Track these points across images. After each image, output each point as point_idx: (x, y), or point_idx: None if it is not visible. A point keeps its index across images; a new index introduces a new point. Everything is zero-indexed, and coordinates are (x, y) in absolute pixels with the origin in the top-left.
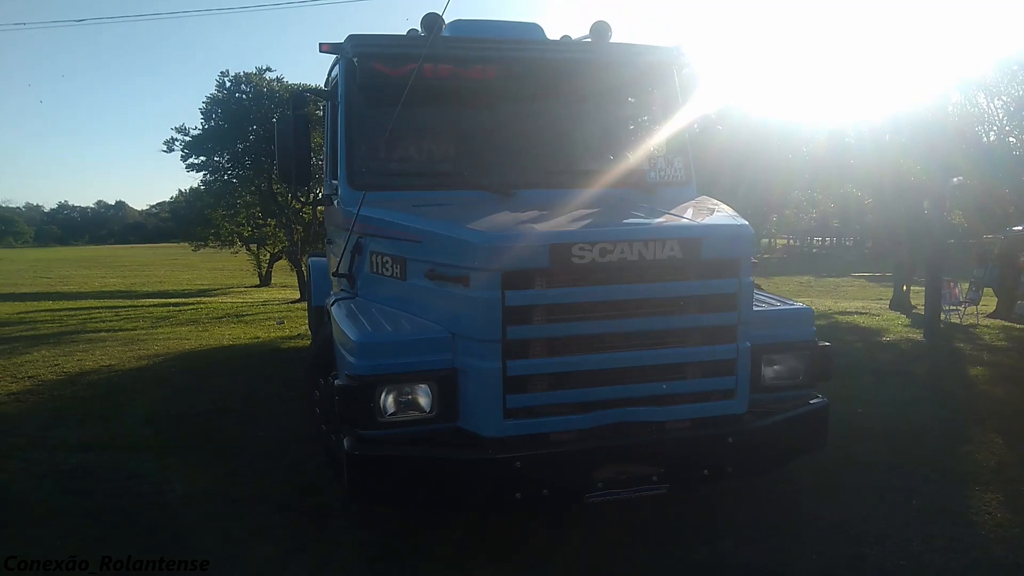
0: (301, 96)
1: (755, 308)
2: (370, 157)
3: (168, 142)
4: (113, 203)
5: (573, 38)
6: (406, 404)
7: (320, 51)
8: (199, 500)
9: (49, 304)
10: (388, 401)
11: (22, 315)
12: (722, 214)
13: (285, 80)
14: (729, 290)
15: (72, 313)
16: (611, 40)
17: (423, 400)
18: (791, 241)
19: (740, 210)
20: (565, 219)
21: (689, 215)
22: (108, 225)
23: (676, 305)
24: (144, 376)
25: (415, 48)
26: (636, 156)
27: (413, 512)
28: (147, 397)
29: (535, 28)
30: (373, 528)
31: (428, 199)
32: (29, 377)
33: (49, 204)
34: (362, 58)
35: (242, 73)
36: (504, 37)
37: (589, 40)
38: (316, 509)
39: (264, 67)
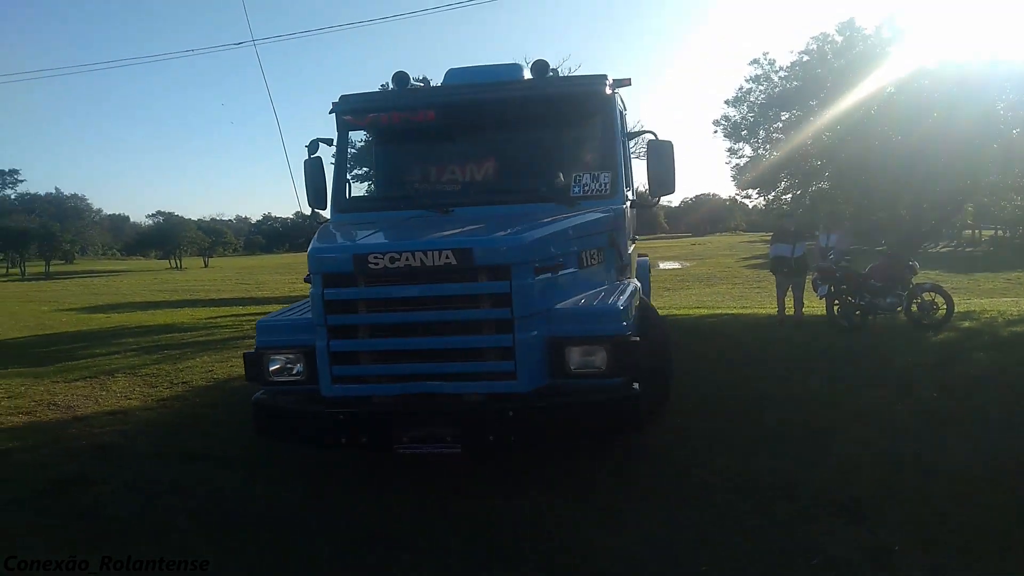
0: (315, 143)
1: (559, 306)
2: (347, 187)
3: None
4: (308, 213)
5: (551, 67)
6: (285, 370)
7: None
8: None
9: (238, 309)
10: (273, 367)
11: (209, 320)
12: (523, 228)
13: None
14: (501, 291)
15: (251, 318)
16: (549, 75)
17: (295, 367)
18: (1001, 232)
19: (918, 196)
20: (407, 232)
21: (493, 230)
22: (305, 233)
23: (455, 302)
24: None
25: (377, 102)
26: (564, 174)
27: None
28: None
29: (513, 69)
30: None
31: (378, 219)
32: (183, 383)
33: (255, 216)
34: (339, 114)
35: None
36: (479, 81)
37: (530, 77)
38: None
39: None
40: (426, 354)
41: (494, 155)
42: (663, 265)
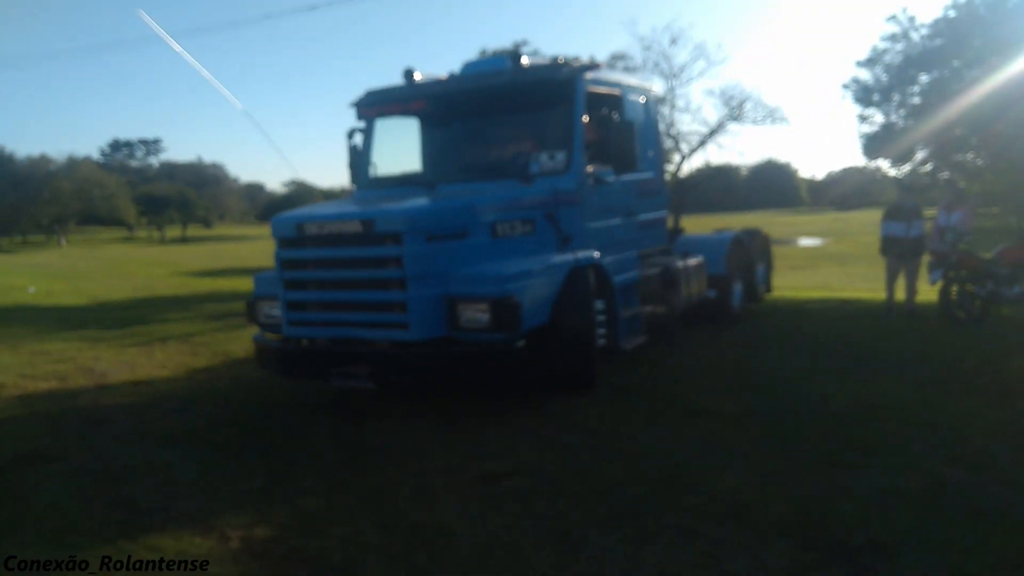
0: (352, 131)
1: (460, 271)
2: (366, 168)
3: None
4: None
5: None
6: (272, 315)
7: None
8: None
9: None
10: (263, 312)
11: None
12: (417, 201)
13: (540, 53)
14: (395, 254)
15: None
16: (523, 64)
17: (274, 313)
18: None
19: None
20: (347, 204)
21: (400, 201)
22: None
23: (364, 263)
24: None
25: (381, 97)
26: (525, 154)
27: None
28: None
29: (498, 60)
30: None
31: (373, 194)
32: (224, 353)
33: None
34: (358, 108)
35: (503, 50)
36: (470, 73)
37: (508, 67)
38: None
39: (522, 41)
40: (348, 305)
41: (477, 137)
42: (802, 242)
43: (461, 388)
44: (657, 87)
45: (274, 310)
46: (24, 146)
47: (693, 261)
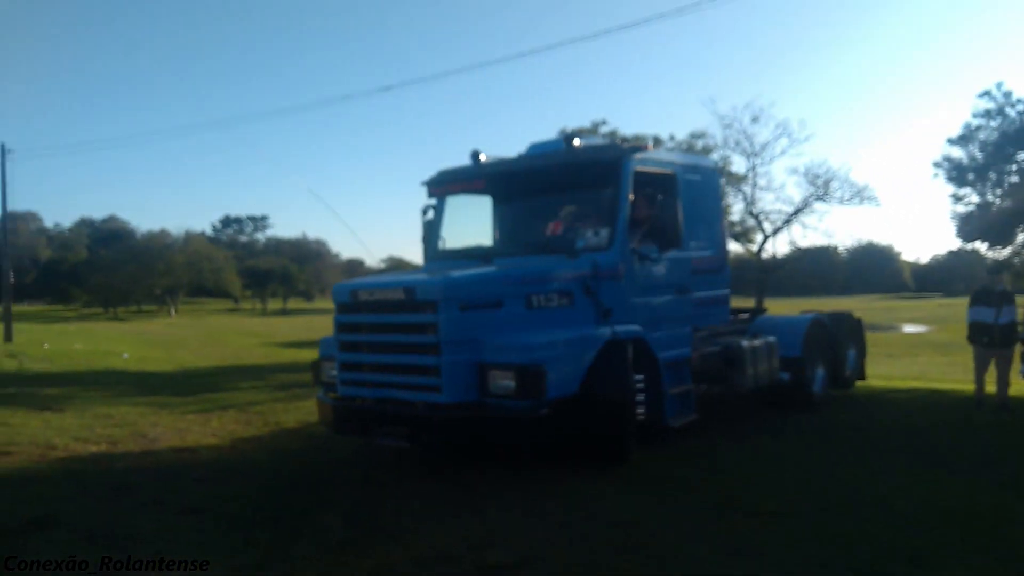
0: (426, 208)
1: (493, 338)
2: (435, 242)
3: None
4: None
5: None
6: (328, 375)
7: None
8: None
9: None
10: (323, 372)
11: None
12: (459, 273)
13: (619, 132)
14: (431, 320)
15: None
16: (575, 145)
17: (333, 373)
18: None
19: None
20: (398, 275)
21: (447, 273)
22: None
23: (405, 328)
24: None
25: (451, 176)
26: (572, 230)
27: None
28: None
29: (556, 143)
30: None
31: (444, 265)
32: (276, 423)
33: None
34: (428, 186)
35: (582, 129)
36: (531, 154)
37: (563, 148)
38: None
39: (600, 120)
40: (391, 368)
41: (537, 213)
42: (906, 328)
43: (491, 452)
44: (717, 164)
45: (332, 370)
46: (146, 222)
47: (763, 341)
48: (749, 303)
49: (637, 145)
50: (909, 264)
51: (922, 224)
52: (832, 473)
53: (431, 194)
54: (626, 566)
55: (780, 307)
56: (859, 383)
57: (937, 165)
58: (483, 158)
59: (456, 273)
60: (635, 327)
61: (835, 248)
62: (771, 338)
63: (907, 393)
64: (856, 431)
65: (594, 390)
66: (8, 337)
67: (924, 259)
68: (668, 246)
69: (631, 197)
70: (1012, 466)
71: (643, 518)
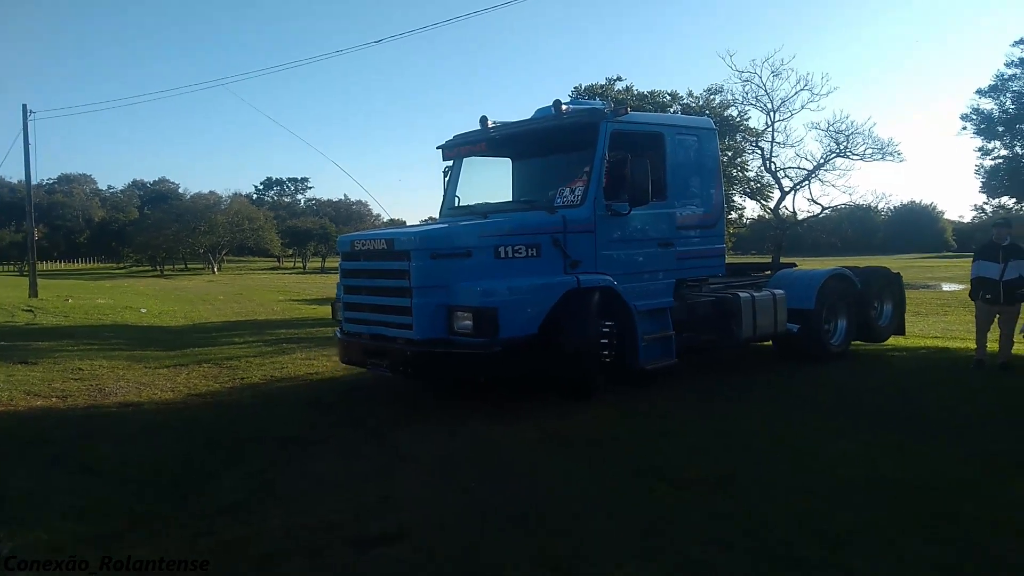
0: (446, 171)
1: (461, 284)
2: (447, 201)
3: None
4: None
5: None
6: (340, 316)
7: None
8: None
9: None
10: (337, 312)
11: None
12: (432, 226)
13: (634, 88)
14: (403, 267)
15: None
16: (563, 109)
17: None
18: None
19: None
20: (430, 228)
21: (419, 228)
22: None
23: (387, 274)
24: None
25: (460, 140)
26: (556, 187)
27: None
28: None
29: (547, 108)
30: None
31: (445, 220)
32: (240, 379)
33: None
34: (442, 150)
35: (595, 86)
36: (529, 119)
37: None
38: None
39: (615, 77)
40: (378, 308)
41: (535, 172)
42: (946, 287)
43: (447, 380)
44: (713, 125)
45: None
46: (195, 184)
47: (767, 294)
48: (767, 260)
49: (616, 109)
50: (951, 223)
51: (952, 183)
52: (785, 439)
53: (445, 157)
54: (515, 543)
55: (813, 264)
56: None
57: (965, 118)
58: (489, 123)
59: (429, 227)
60: (604, 277)
61: (874, 207)
62: (778, 291)
63: (911, 351)
64: (836, 392)
65: (555, 333)
66: (33, 292)
67: (967, 218)
68: (641, 202)
69: (607, 156)
70: (995, 433)
71: (558, 485)
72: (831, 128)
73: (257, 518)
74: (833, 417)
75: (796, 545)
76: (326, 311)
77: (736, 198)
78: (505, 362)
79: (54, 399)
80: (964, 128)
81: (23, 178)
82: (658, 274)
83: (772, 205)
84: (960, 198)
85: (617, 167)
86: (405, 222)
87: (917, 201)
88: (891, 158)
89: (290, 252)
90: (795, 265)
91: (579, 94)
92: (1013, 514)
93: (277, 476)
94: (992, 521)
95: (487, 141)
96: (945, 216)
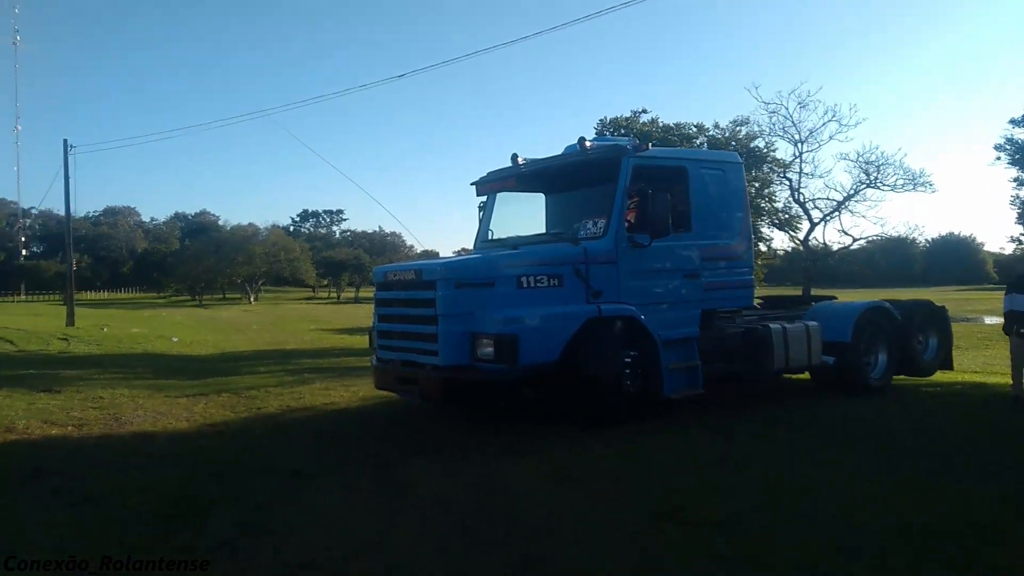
0: (481, 207)
1: (484, 312)
2: (480, 234)
3: None
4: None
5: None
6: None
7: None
8: None
9: None
10: (372, 339)
11: None
12: (458, 257)
13: (660, 121)
14: (430, 296)
15: None
16: (587, 145)
17: None
18: None
19: None
20: (455, 260)
21: (447, 259)
22: None
23: (416, 303)
24: (317, 421)
25: (491, 176)
26: (581, 221)
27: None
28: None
29: (573, 146)
30: None
31: (477, 252)
32: (257, 408)
33: None
34: (475, 185)
35: (620, 118)
36: (552, 156)
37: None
38: None
39: (640, 109)
40: (408, 335)
41: (564, 206)
42: (988, 320)
43: (470, 405)
44: (740, 159)
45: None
46: (235, 216)
47: (799, 326)
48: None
49: (637, 145)
50: (992, 255)
51: (989, 214)
52: (803, 479)
53: (478, 192)
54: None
55: (852, 297)
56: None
57: (999, 148)
58: (520, 160)
59: (456, 259)
60: (626, 307)
61: (908, 238)
62: (812, 323)
63: (947, 387)
64: (863, 428)
65: (576, 361)
66: (70, 321)
67: (1008, 249)
68: (662, 234)
69: (629, 190)
70: None
71: (559, 525)
72: (860, 159)
73: (245, 556)
74: (857, 456)
75: None
76: (354, 340)
77: (764, 229)
78: (525, 388)
79: (70, 427)
80: (998, 158)
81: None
82: (683, 304)
83: (801, 236)
84: (998, 229)
85: (638, 200)
86: (439, 253)
87: (956, 232)
88: (923, 188)
89: (325, 282)
90: (835, 298)
91: (604, 127)
92: None
93: (275, 510)
94: (1015, 568)
95: (517, 177)
96: (985, 248)
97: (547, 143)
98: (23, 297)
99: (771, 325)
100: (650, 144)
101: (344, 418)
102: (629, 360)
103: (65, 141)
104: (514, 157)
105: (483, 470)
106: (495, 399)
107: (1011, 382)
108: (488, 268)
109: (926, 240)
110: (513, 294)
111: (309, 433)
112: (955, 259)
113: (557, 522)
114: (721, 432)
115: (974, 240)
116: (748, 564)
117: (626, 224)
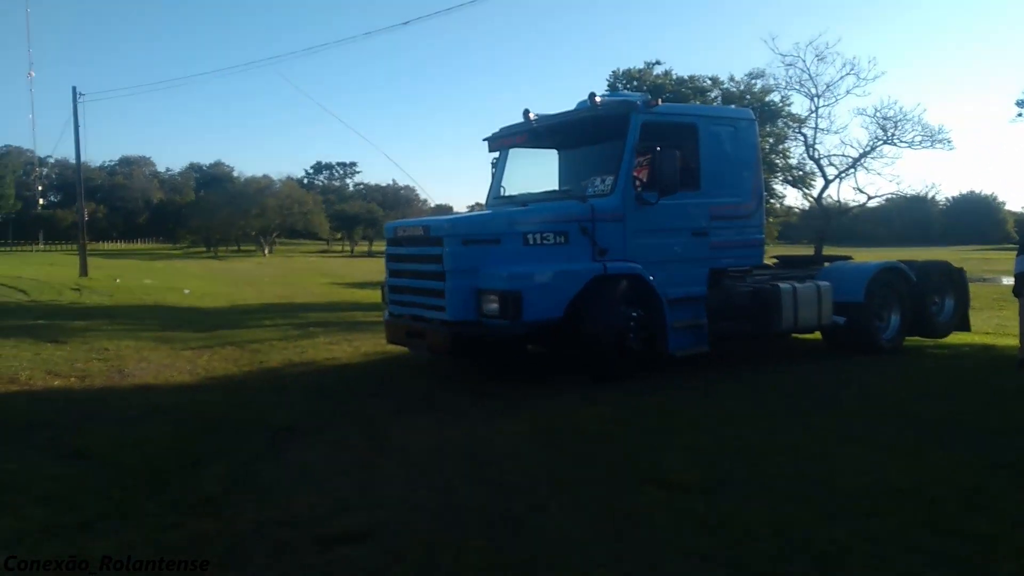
0: (494, 162)
1: (489, 268)
2: (493, 190)
3: None
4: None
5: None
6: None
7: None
8: None
9: None
10: (384, 294)
11: None
12: (466, 214)
13: (674, 73)
14: (437, 252)
15: None
16: (596, 101)
17: None
18: None
19: None
20: (462, 216)
21: (454, 216)
22: None
23: (424, 259)
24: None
25: (503, 132)
26: (590, 178)
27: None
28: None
29: (587, 101)
30: None
31: (491, 208)
32: (259, 363)
33: None
34: (487, 141)
35: (633, 70)
36: (563, 112)
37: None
38: None
39: (654, 61)
40: (416, 291)
41: (574, 162)
42: (1005, 280)
43: (479, 357)
44: (752, 115)
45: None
46: (249, 167)
47: (810, 285)
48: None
49: (647, 100)
50: (1013, 214)
51: (1012, 172)
52: (792, 442)
53: (491, 148)
54: (482, 547)
55: (868, 257)
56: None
57: (1021, 104)
58: (531, 116)
59: (463, 215)
60: (632, 265)
61: (925, 196)
62: (823, 283)
63: (954, 348)
64: (860, 391)
65: (579, 318)
66: (83, 271)
67: None
68: (670, 192)
69: (638, 147)
70: None
71: (535, 483)
72: (878, 114)
73: (230, 511)
74: (849, 419)
75: (780, 560)
76: (365, 295)
77: (778, 186)
78: (528, 344)
79: (72, 379)
80: (1020, 115)
81: (83, 159)
82: (690, 263)
83: (815, 194)
84: (1021, 187)
85: (646, 157)
86: (452, 208)
87: (976, 191)
88: (940, 146)
89: (339, 236)
90: (850, 258)
91: (616, 79)
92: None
93: (263, 466)
94: (1003, 536)
95: (528, 133)
96: (1006, 207)
97: (566, 96)
98: (41, 246)
99: (780, 285)
100: (660, 100)
101: (343, 374)
102: (634, 318)
103: (74, 88)
104: (525, 113)
105: (472, 430)
106: (500, 354)
107: (1019, 345)
108: (494, 225)
109: (946, 199)
110: (519, 251)
111: (307, 388)
112: (975, 218)
113: (540, 483)
114: (714, 394)
115: (995, 199)
116: (731, 529)
117: (637, 182)
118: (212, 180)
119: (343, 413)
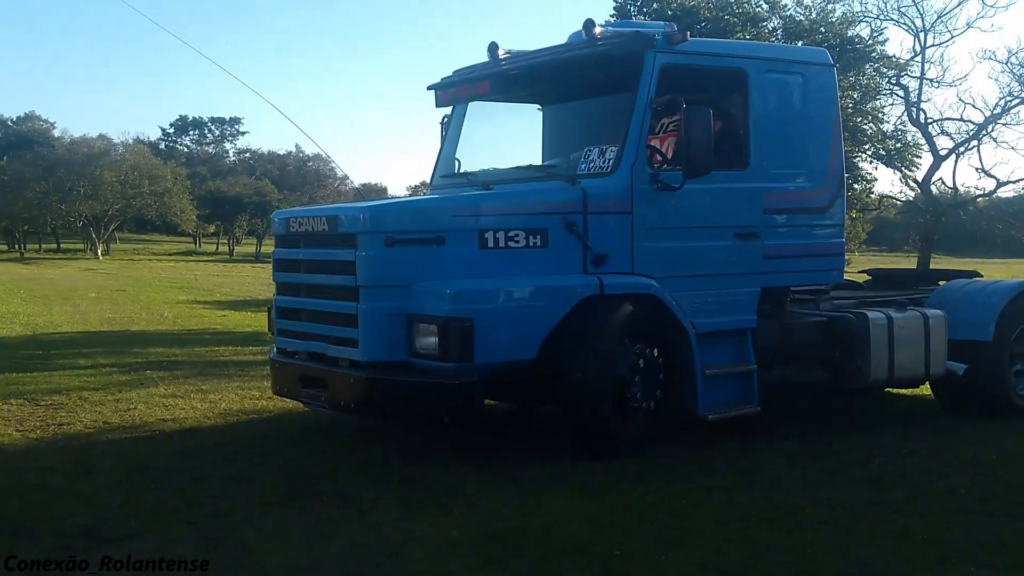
0: (445, 120)
1: (423, 283)
2: (438, 166)
3: None
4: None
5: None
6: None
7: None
8: None
9: None
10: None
11: None
12: (398, 199)
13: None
14: (348, 258)
15: None
16: (595, 33)
17: None
18: None
19: None
20: (389, 203)
21: (377, 202)
22: None
23: (326, 266)
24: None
25: (457, 78)
26: (583, 149)
27: None
28: None
29: (575, 34)
30: None
31: (440, 192)
32: (59, 423)
33: None
34: (435, 92)
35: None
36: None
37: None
38: None
39: None
40: (317, 315)
41: (558, 125)
42: None
43: (401, 422)
44: (829, 58)
45: None
46: (78, 125)
47: (914, 314)
48: (904, 263)
49: (670, 33)
50: None
51: None
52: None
53: (439, 102)
54: None
55: (999, 272)
56: None
57: None
58: (500, 53)
59: (388, 201)
60: (643, 280)
61: None
62: (935, 312)
63: None
64: (965, 480)
65: (561, 360)
66: None
67: None
68: (704, 170)
69: (655, 103)
70: None
71: None
72: (1013, 59)
73: None
74: (944, 528)
75: None
76: (241, 319)
77: (864, 164)
78: (482, 398)
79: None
80: None
81: None
82: (732, 279)
83: (920, 176)
84: None
85: (668, 119)
86: (387, 190)
87: None
88: None
89: (211, 229)
90: (977, 274)
91: (628, 0)
92: None
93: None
94: None
95: (495, 78)
96: None
97: (555, 33)
98: None
99: (870, 314)
100: (690, 33)
101: (182, 445)
102: (645, 361)
103: None
104: (492, 49)
105: (374, 533)
106: (439, 412)
107: None
108: (437, 216)
109: None
110: (473, 257)
111: (125, 468)
112: None
113: None
114: (758, 480)
115: None
116: None
117: (655, 155)
118: (20, 141)
119: (176, 508)
